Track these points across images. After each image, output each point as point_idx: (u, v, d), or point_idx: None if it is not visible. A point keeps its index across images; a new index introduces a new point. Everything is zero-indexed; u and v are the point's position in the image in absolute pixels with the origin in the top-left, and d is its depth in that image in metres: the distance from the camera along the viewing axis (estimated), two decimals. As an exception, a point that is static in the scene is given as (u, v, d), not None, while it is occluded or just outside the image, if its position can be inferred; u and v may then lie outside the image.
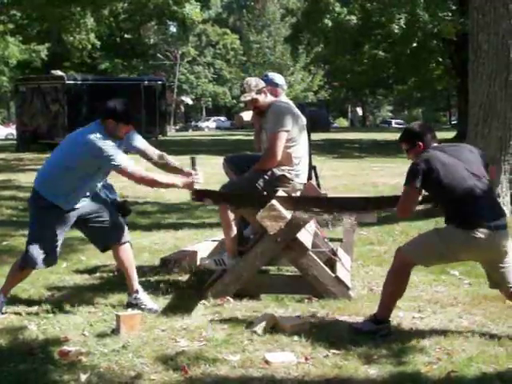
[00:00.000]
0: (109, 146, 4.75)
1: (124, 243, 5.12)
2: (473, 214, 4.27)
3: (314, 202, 5.27)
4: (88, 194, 5.02)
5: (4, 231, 8.59)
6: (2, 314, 4.95)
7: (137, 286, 5.16)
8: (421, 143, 4.54)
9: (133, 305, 5.08)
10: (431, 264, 4.80)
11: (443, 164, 4.34)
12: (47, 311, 5.02)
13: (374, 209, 5.35)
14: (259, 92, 5.67)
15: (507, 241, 4.36)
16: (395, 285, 4.52)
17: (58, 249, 5.01)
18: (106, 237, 5.09)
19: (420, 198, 4.56)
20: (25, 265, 5.02)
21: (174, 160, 5.22)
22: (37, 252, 4.91)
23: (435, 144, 4.58)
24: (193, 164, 5.09)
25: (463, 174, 4.35)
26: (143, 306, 5.06)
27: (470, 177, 4.35)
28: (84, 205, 5.00)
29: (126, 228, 5.20)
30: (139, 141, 5.14)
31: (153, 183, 4.97)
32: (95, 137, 4.77)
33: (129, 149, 5.10)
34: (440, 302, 5.26)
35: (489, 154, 8.53)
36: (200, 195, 5.20)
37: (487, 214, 4.30)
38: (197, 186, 5.04)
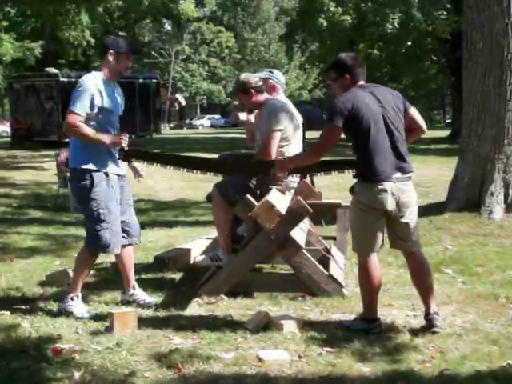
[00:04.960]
0: (84, 91, 4.80)
1: (132, 243, 5.15)
2: (376, 168, 4.25)
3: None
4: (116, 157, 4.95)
5: (-2, 229, 8.57)
6: (88, 313, 4.84)
7: (133, 282, 5.18)
8: (348, 76, 4.44)
9: (129, 302, 5.09)
10: (375, 246, 4.45)
11: (365, 107, 4.25)
12: (40, 309, 5.01)
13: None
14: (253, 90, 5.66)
15: (410, 191, 4.39)
16: (365, 281, 4.49)
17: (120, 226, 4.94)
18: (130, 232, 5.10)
19: None
20: (96, 251, 4.94)
21: None
22: (107, 233, 4.82)
23: (361, 82, 4.48)
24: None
25: (378, 123, 4.29)
26: (141, 302, 5.06)
27: (383, 125, 4.29)
28: (122, 185, 5.00)
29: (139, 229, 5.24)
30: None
31: (82, 136, 4.83)
32: (86, 77, 4.85)
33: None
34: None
35: (483, 152, 8.56)
36: (128, 154, 5.11)
37: (390, 166, 4.28)
38: (124, 145, 4.91)
